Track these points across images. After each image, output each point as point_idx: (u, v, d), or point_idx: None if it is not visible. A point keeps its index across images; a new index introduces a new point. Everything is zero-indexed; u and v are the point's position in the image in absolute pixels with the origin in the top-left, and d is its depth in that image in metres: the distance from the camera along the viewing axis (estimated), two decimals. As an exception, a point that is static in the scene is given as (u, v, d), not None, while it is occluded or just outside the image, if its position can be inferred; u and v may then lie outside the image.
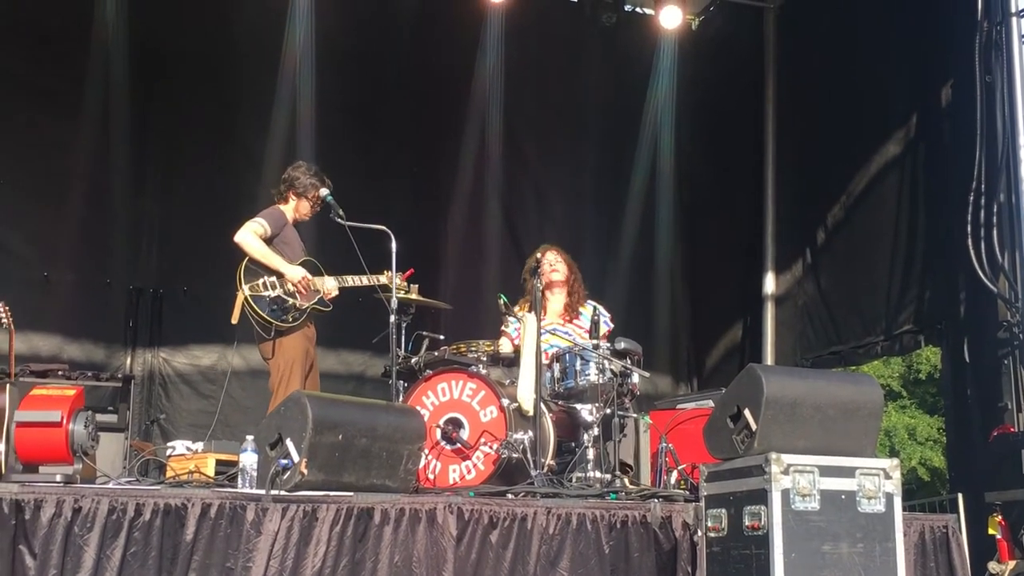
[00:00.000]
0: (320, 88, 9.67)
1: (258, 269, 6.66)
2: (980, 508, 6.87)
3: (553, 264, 7.20)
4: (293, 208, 7.05)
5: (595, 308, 7.10)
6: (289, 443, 4.82)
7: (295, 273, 6.70)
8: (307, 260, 6.92)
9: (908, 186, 8.97)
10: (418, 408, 6.14)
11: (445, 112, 10.55)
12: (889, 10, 9.17)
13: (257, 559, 4.55)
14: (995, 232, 7.79)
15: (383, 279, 6.85)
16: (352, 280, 6.97)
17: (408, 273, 6.85)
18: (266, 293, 6.61)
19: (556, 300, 7.28)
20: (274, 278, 6.67)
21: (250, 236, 6.68)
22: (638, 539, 5.16)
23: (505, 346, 7.04)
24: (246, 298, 6.56)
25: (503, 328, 7.25)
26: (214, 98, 9.78)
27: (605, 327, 6.87)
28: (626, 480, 6.40)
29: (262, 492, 4.69)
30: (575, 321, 7.24)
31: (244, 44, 9.78)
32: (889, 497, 4.81)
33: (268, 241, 6.74)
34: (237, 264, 6.69)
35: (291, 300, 6.67)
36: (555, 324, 7.15)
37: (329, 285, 6.90)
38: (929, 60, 8.73)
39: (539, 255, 6.91)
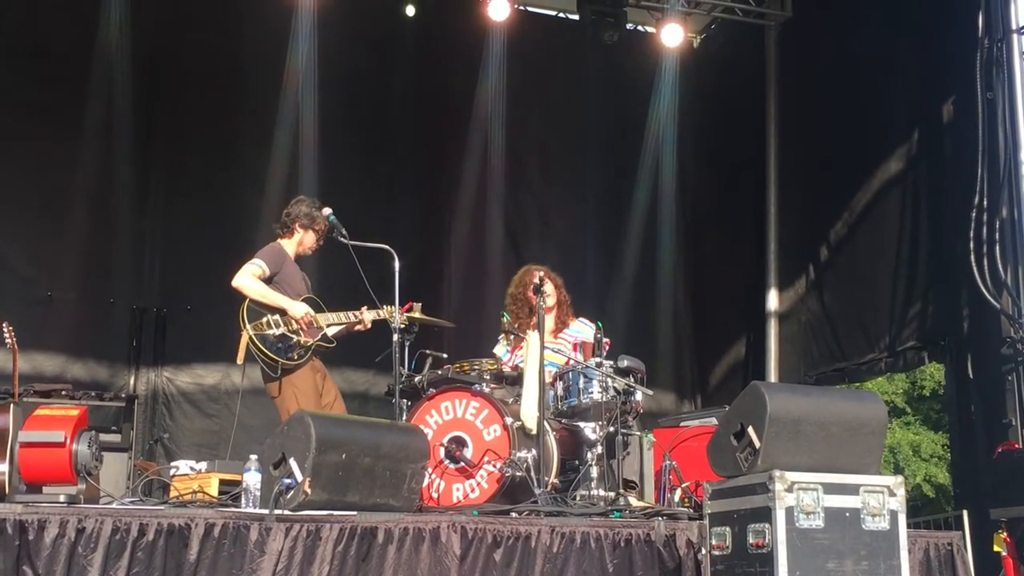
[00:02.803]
0: (323, 107, 9.70)
1: (261, 309, 6.60)
2: (985, 525, 6.86)
3: (546, 292, 7.06)
4: (297, 242, 6.94)
5: (598, 326, 7.06)
6: (292, 462, 4.82)
7: (298, 309, 6.63)
8: (309, 298, 6.84)
9: (911, 202, 8.99)
10: (421, 427, 6.14)
11: (448, 130, 10.59)
12: (891, 27, 9.20)
13: (261, 579, 4.55)
14: (998, 248, 7.81)
15: (383, 314, 6.79)
16: (352, 316, 6.88)
17: (407, 307, 6.79)
18: (270, 332, 6.53)
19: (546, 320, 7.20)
20: (277, 316, 6.59)
21: (248, 279, 6.59)
22: (642, 557, 5.14)
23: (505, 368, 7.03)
24: (251, 337, 6.49)
25: (494, 350, 7.24)
26: (217, 117, 9.81)
27: (590, 330, 6.88)
28: (632, 497, 6.38)
29: (265, 511, 4.69)
30: (561, 335, 7.21)
31: (247, 62, 9.83)
32: (894, 514, 4.79)
33: (268, 280, 6.68)
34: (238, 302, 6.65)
35: (295, 338, 6.60)
36: (547, 340, 7.08)
37: (367, 317, 6.79)
38: (930, 77, 8.76)
39: (540, 274, 6.86)
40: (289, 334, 6.59)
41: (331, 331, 6.87)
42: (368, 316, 6.83)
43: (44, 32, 9.30)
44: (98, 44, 9.34)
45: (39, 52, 9.31)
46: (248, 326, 6.51)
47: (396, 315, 6.51)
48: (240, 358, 6.56)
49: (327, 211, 6.92)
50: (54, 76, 9.33)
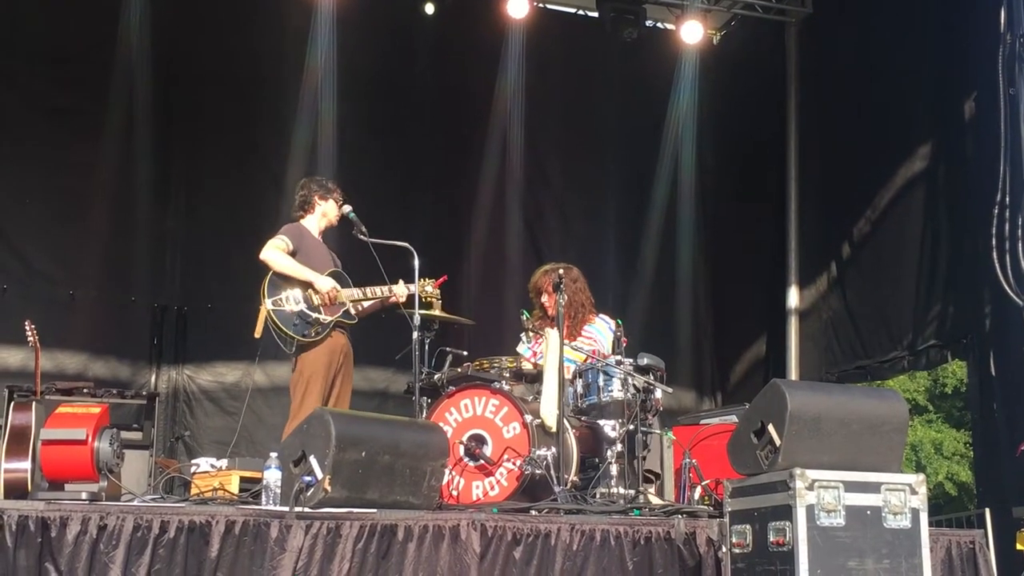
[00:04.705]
0: (341, 107, 9.72)
1: (283, 283, 6.64)
2: (1008, 523, 6.81)
3: (548, 305, 7.05)
4: (321, 215, 7.02)
5: (618, 323, 7.06)
6: (313, 460, 4.83)
7: (324, 283, 6.67)
8: (334, 272, 6.89)
9: (933, 200, 8.94)
10: (441, 424, 6.14)
11: (467, 129, 10.60)
12: (912, 24, 9.15)
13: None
14: (1020, 245, 7.74)
15: (414, 288, 6.83)
16: (382, 291, 6.93)
17: (441, 280, 6.85)
18: (289, 307, 6.58)
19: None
20: (298, 292, 6.64)
21: (274, 252, 6.67)
22: (662, 555, 5.14)
23: (525, 365, 7.05)
24: (269, 312, 6.54)
25: (517, 349, 7.25)
26: (237, 117, 9.84)
27: (611, 333, 6.87)
28: (651, 490, 6.37)
29: (286, 509, 4.70)
30: (580, 337, 7.19)
31: (266, 64, 9.85)
32: (915, 512, 4.77)
33: (291, 256, 6.73)
34: (262, 280, 6.69)
35: (314, 315, 6.63)
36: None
37: (399, 291, 6.82)
38: (952, 73, 8.70)
39: (561, 271, 6.86)
40: (308, 311, 6.62)
41: (357, 307, 6.88)
42: (400, 290, 6.83)
43: (65, 36, 9.34)
44: (118, 47, 9.36)
45: (60, 56, 9.35)
46: (267, 300, 6.56)
47: (428, 288, 6.57)
48: (258, 332, 6.60)
49: (347, 208, 6.97)
50: (75, 79, 9.37)
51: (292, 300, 6.60)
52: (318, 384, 6.60)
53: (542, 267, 7.38)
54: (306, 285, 6.67)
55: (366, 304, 6.99)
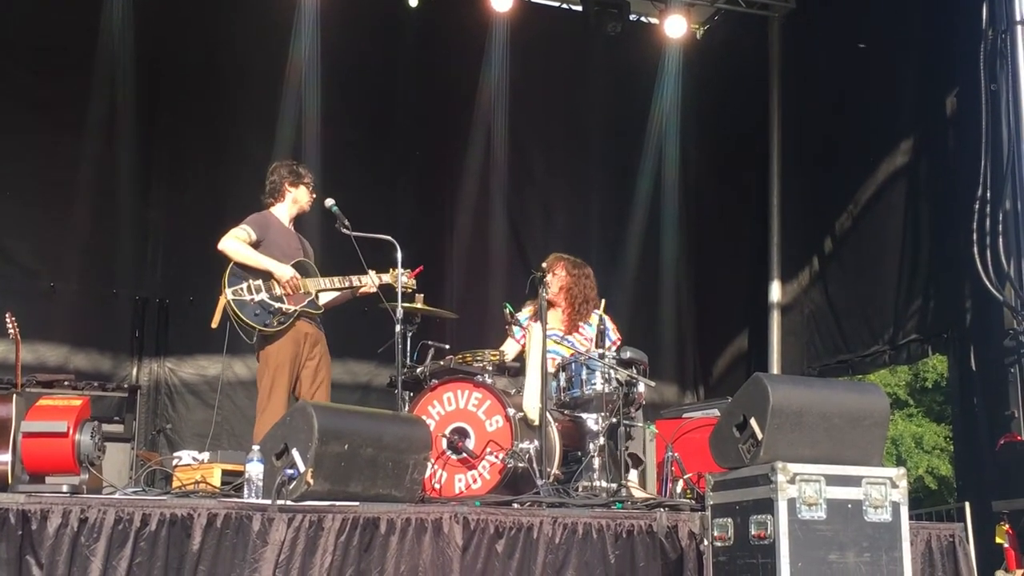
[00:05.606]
0: (325, 99, 9.69)
1: (245, 273, 6.56)
2: (987, 517, 6.86)
3: (550, 283, 7.01)
4: (292, 201, 6.95)
5: (600, 318, 7.07)
6: (295, 453, 4.82)
7: (284, 272, 6.60)
8: (300, 262, 6.80)
9: (914, 195, 8.97)
10: (424, 418, 6.14)
11: (450, 123, 10.58)
12: (894, 20, 9.17)
13: (263, 569, 4.55)
14: (1001, 240, 7.78)
15: (387, 278, 6.79)
16: (350, 281, 6.89)
17: (417, 271, 6.82)
18: (249, 297, 6.49)
19: (555, 312, 7.20)
20: (259, 282, 6.55)
21: (233, 242, 6.59)
22: (644, 548, 5.15)
23: (509, 346, 7.05)
24: (228, 302, 6.46)
25: (507, 327, 7.22)
26: (219, 109, 9.80)
27: (608, 341, 6.87)
28: (634, 478, 6.38)
29: (268, 502, 4.69)
30: (576, 332, 7.19)
31: (250, 56, 9.82)
32: (896, 506, 4.80)
33: (255, 246, 6.65)
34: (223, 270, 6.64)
35: (276, 304, 6.54)
36: (554, 330, 7.09)
37: (367, 281, 6.79)
38: (934, 69, 8.73)
39: (544, 265, 6.87)
40: (270, 300, 6.54)
41: (325, 297, 6.85)
42: (369, 280, 6.77)
43: (48, 26, 9.27)
44: (101, 38, 9.33)
45: (43, 47, 9.29)
46: (227, 290, 6.49)
47: (400, 279, 6.51)
48: (215, 322, 6.53)
49: (329, 201, 6.87)
50: (57, 70, 9.31)
51: (253, 289, 6.52)
52: (285, 376, 6.55)
53: (556, 253, 7.36)
54: (268, 274, 6.61)
55: (333, 294, 6.94)
